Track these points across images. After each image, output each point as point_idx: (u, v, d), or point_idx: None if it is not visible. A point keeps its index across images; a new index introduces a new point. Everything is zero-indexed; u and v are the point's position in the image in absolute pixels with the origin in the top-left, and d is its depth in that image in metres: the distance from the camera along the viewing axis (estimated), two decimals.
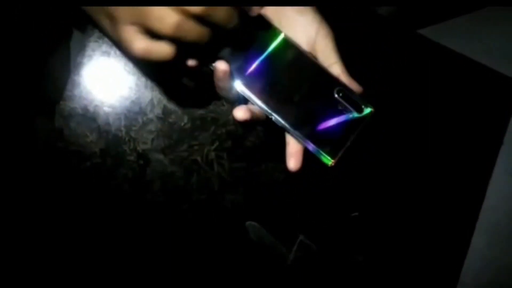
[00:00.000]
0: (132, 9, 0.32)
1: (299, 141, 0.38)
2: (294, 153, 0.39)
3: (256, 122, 0.39)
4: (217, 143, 0.52)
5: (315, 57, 0.40)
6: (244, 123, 0.37)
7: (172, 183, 0.51)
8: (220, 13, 0.31)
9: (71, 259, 0.49)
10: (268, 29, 0.39)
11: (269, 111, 0.37)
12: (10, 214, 0.47)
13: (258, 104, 0.37)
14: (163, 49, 0.33)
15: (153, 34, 0.32)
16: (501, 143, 0.62)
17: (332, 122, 0.38)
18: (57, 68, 0.48)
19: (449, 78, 0.61)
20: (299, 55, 0.39)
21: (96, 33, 0.48)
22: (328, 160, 0.38)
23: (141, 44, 0.32)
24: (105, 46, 0.48)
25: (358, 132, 0.38)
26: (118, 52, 0.48)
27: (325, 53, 0.39)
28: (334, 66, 0.39)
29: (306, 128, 0.38)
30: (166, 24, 0.31)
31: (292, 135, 0.38)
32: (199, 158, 0.51)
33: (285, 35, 0.39)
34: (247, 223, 0.53)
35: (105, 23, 0.35)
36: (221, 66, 0.36)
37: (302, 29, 0.39)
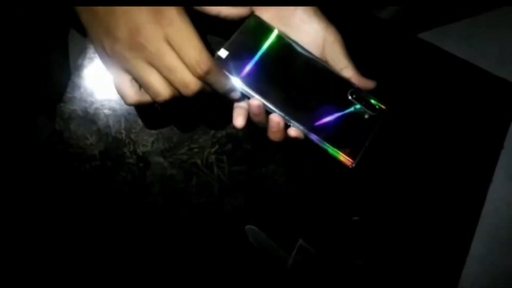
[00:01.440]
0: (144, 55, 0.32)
1: (318, 145, 0.38)
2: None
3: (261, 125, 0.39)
4: (217, 146, 0.51)
5: (326, 62, 0.40)
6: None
7: (171, 186, 0.50)
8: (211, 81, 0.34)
9: (70, 262, 0.48)
10: (276, 37, 0.39)
11: (287, 118, 0.38)
12: (7, 216, 0.46)
13: (276, 112, 0.37)
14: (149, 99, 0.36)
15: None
16: (501, 147, 0.62)
17: (349, 123, 0.39)
18: (57, 70, 0.48)
19: (449, 82, 0.61)
20: (311, 60, 0.40)
21: None
22: (349, 161, 0.38)
23: (132, 98, 0.35)
24: None
25: (375, 132, 0.39)
26: None
27: (335, 59, 0.39)
28: (345, 70, 0.39)
29: (324, 131, 0.38)
30: (190, 91, 0.34)
31: (311, 139, 0.38)
32: (199, 161, 0.51)
33: (295, 42, 0.39)
34: (247, 227, 0.53)
35: (101, 37, 0.33)
36: (254, 102, 0.37)
37: (308, 38, 0.39)
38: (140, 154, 0.49)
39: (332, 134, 0.38)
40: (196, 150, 0.51)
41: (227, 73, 0.37)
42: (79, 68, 0.47)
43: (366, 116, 0.39)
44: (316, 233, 0.55)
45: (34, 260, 0.48)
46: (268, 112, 0.38)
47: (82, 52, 0.47)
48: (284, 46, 0.40)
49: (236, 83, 0.37)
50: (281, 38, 0.40)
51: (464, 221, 0.60)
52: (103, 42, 0.33)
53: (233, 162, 0.52)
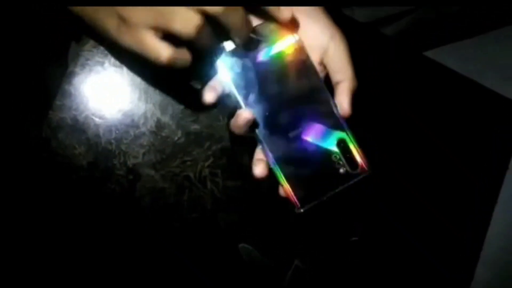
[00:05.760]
0: (150, 10, 0.30)
1: (277, 178, 0.35)
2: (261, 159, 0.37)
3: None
4: (211, 160, 0.50)
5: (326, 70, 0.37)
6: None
7: (162, 200, 0.48)
8: (236, 15, 0.31)
9: (55, 278, 0.46)
10: (288, 46, 0.37)
11: (260, 137, 0.35)
12: None
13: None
14: (186, 57, 0.32)
15: (172, 39, 0.31)
16: (506, 167, 0.60)
17: (320, 168, 0.36)
18: (47, 77, 0.46)
19: (453, 100, 0.60)
20: (315, 85, 0.37)
21: (91, 42, 0.46)
22: (295, 206, 0.35)
23: (167, 52, 0.31)
24: (100, 56, 0.46)
25: (341, 189, 0.36)
26: (112, 62, 0.47)
27: (337, 65, 0.37)
28: (343, 84, 0.37)
29: (289, 166, 0.35)
30: (192, 26, 0.30)
31: (270, 165, 0.36)
32: (191, 175, 0.49)
33: (309, 58, 0.37)
34: (241, 245, 0.51)
35: (111, 25, 0.32)
36: (244, 113, 0.34)
37: (314, 36, 0.37)
38: (130, 166, 0.47)
39: (294, 171, 0.35)
40: (189, 163, 0.49)
41: (225, 75, 0.36)
42: (70, 75, 0.46)
43: (341, 170, 0.36)
44: (313, 253, 0.53)
45: (17, 275, 0.45)
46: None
47: (74, 59, 0.46)
48: (294, 58, 0.37)
49: (226, 77, 0.36)
50: (295, 49, 0.37)
51: (469, 245, 0.58)
52: (107, 20, 0.32)
53: (227, 176, 0.50)
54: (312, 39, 0.37)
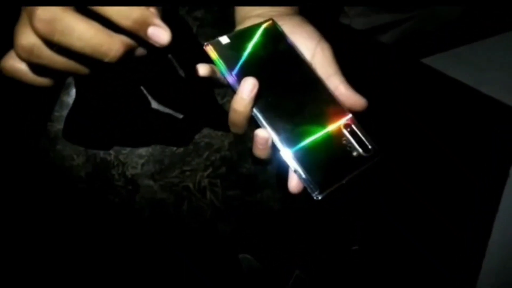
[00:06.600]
0: None
1: (289, 164, 0.35)
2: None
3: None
4: (210, 169, 0.49)
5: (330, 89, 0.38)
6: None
7: (161, 210, 0.48)
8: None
9: None
10: (284, 46, 0.38)
11: (265, 124, 0.34)
12: None
13: (259, 117, 0.35)
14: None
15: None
16: (507, 175, 0.60)
17: (332, 155, 0.35)
18: (45, 88, 0.46)
19: (451, 107, 0.60)
20: (313, 80, 0.37)
21: None
22: (314, 192, 0.34)
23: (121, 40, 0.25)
24: None
25: (358, 173, 0.35)
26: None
27: (324, 64, 0.38)
28: (333, 77, 0.37)
29: (300, 151, 0.35)
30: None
31: (283, 156, 0.35)
32: (191, 185, 0.49)
33: (304, 57, 0.37)
34: (241, 255, 0.50)
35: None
36: (261, 133, 0.34)
37: (302, 40, 0.38)
38: (129, 176, 0.47)
39: (309, 159, 0.34)
40: (188, 173, 0.48)
41: (221, 59, 0.35)
42: (68, 86, 0.46)
43: (355, 154, 0.35)
44: (314, 263, 0.52)
45: (15, 282, 0.45)
46: (256, 124, 0.35)
47: None
48: (290, 58, 0.37)
49: (226, 71, 0.35)
50: (290, 49, 0.38)
51: (470, 245, 0.57)
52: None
53: (227, 186, 0.50)
54: (301, 45, 0.38)
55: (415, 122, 0.58)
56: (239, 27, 0.40)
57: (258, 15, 0.40)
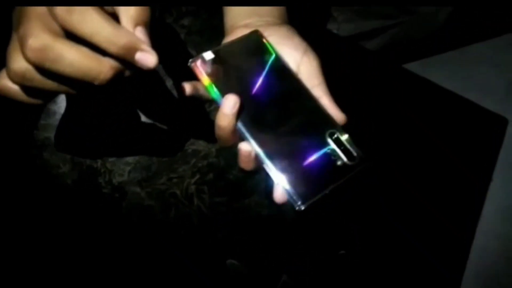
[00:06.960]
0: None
1: (272, 176, 0.35)
2: None
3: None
4: (197, 176, 0.50)
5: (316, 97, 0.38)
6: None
7: (148, 217, 0.48)
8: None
9: None
10: (270, 59, 0.38)
11: (248, 137, 0.35)
12: None
13: (242, 130, 0.35)
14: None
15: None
16: (490, 179, 0.61)
17: (316, 164, 0.35)
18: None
19: (435, 113, 0.60)
20: (299, 90, 0.37)
21: None
22: (297, 203, 0.34)
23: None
24: None
25: (343, 181, 0.35)
26: None
27: (309, 74, 0.38)
28: (317, 88, 0.38)
29: (282, 162, 0.35)
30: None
31: (265, 169, 0.35)
32: (178, 192, 0.49)
33: (290, 68, 0.38)
34: (228, 261, 0.50)
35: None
36: (244, 147, 0.34)
37: (288, 51, 0.39)
38: (116, 184, 0.47)
39: (291, 168, 0.34)
40: (175, 180, 0.49)
41: (205, 76, 0.35)
42: None
43: (339, 163, 0.35)
44: (301, 268, 0.52)
45: None
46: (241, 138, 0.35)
47: None
48: (276, 70, 0.38)
49: (211, 88, 0.35)
50: (276, 61, 0.38)
51: (454, 256, 0.58)
52: None
53: (214, 192, 0.50)
54: (287, 55, 0.39)
55: (415, 122, 0.59)
56: (227, 37, 0.41)
57: (246, 25, 0.41)
